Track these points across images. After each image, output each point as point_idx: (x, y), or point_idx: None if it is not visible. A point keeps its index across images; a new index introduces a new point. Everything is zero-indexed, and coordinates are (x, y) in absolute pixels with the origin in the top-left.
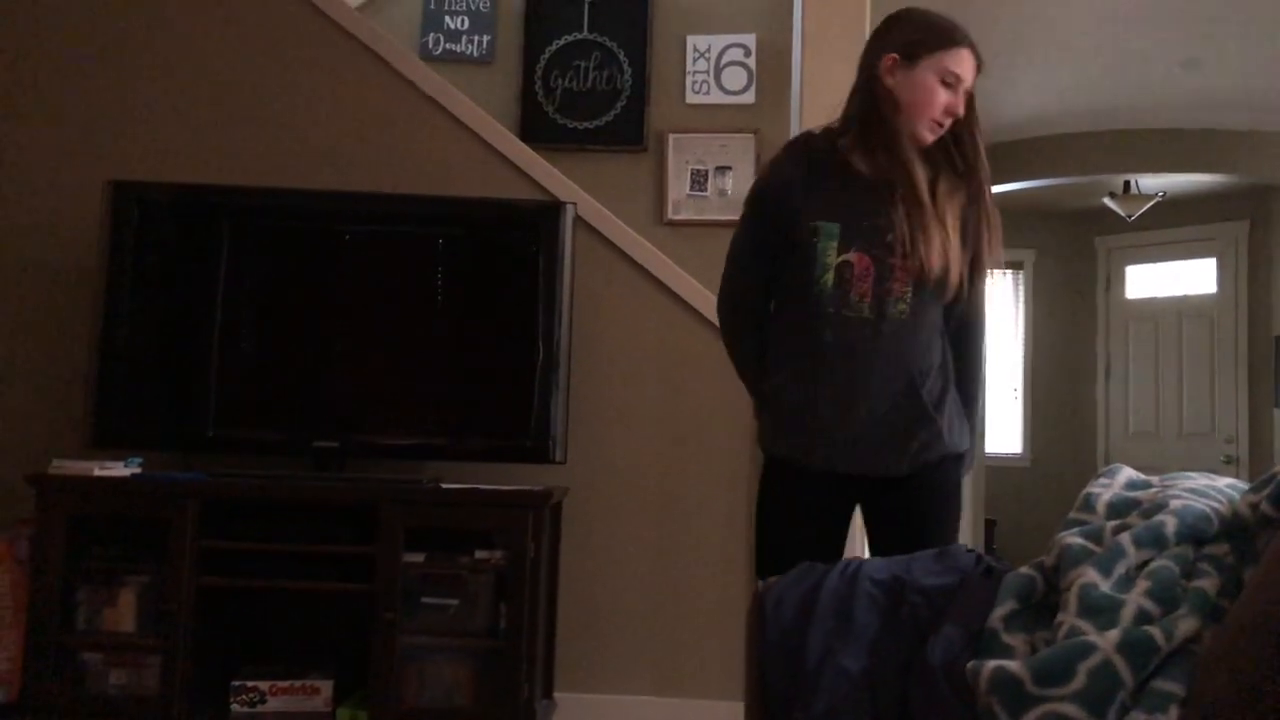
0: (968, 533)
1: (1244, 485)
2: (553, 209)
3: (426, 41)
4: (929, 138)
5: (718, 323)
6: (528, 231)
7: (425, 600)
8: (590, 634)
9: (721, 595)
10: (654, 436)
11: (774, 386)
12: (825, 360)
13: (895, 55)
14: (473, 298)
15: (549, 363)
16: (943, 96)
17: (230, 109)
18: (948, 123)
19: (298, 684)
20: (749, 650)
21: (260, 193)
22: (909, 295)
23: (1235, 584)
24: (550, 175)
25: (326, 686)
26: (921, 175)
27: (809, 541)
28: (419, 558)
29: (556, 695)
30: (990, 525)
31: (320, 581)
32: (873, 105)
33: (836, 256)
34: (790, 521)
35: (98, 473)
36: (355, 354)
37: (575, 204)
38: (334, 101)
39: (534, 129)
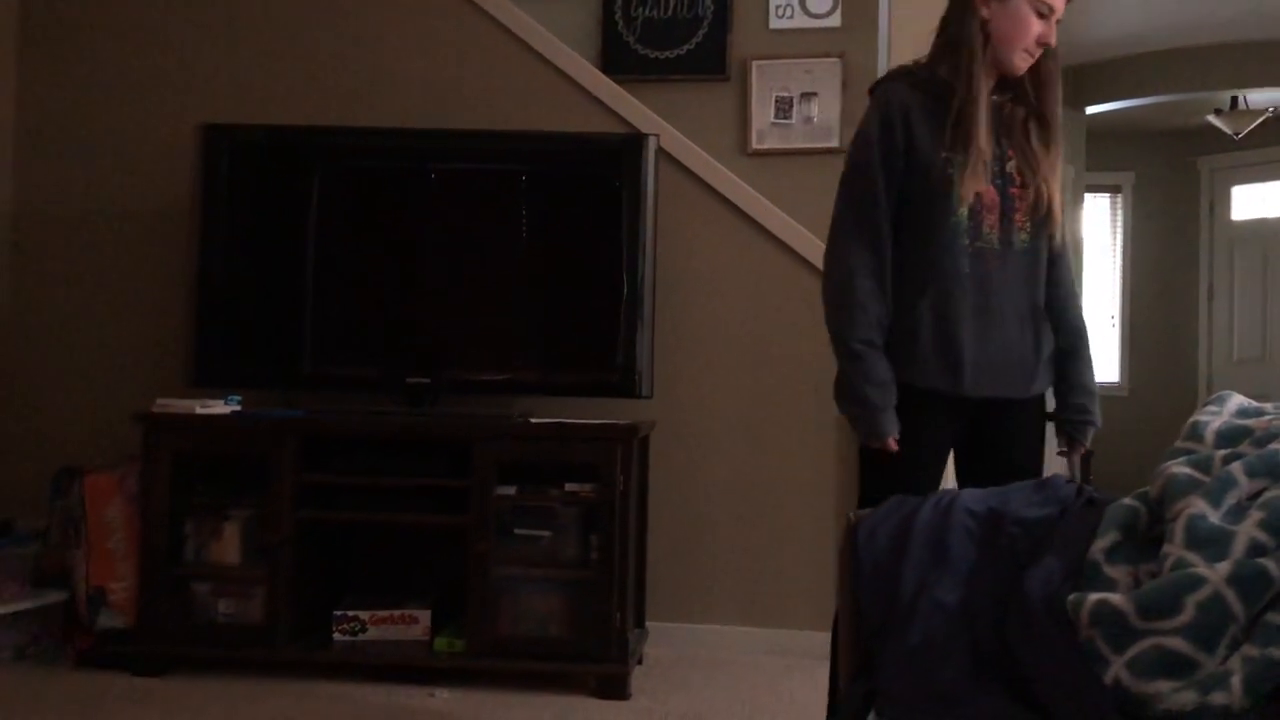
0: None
1: None
2: (635, 141)
3: None
4: (1022, 67)
5: (829, 277)
6: (610, 165)
7: (518, 532)
8: (680, 564)
9: (810, 526)
10: (740, 369)
11: (912, 320)
12: (963, 291)
13: None
14: (557, 233)
15: (633, 297)
16: (1037, 27)
17: (314, 50)
18: (1038, 53)
19: (396, 613)
20: (841, 582)
21: (347, 132)
22: (1028, 225)
23: None
24: (632, 107)
25: (424, 616)
26: (1014, 104)
27: (927, 466)
28: (511, 490)
29: (648, 624)
30: (1087, 456)
31: (416, 515)
32: (969, 35)
33: (969, 188)
34: (914, 449)
35: (200, 411)
36: (444, 291)
37: (658, 136)
38: (415, 39)
39: (615, 60)
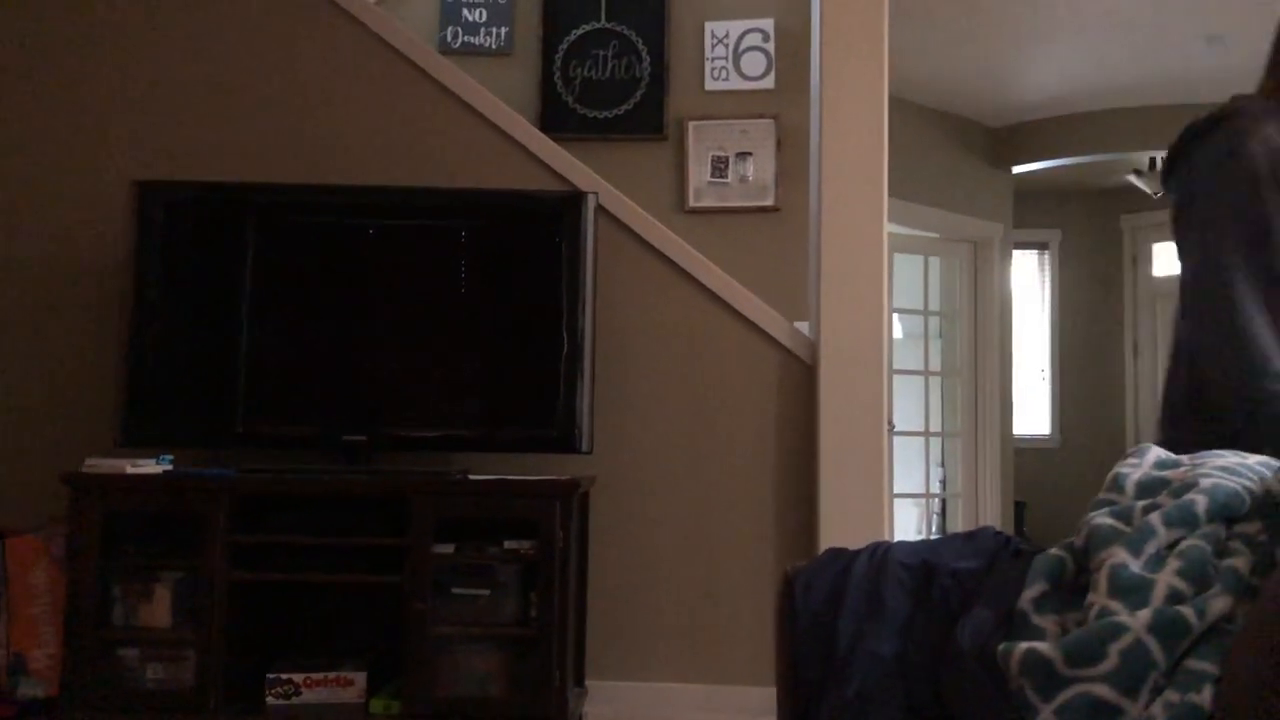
0: (997, 515)
1: (1276, 463)
2: (574, 199)
3: (445, 35)
4: None
5: (1224, 371)
6: (550, 222)
7: (456, 590)
8: (620, 621)
9: (750, 581)
10: (679, 424)
11: None
12: None
13: None
14: (496, 289)
15: (573, 353)
16: None
17: (251, 106)
18: None
19: (331, 675)
20: (779, 635)
21: (284, 189)
22: None
23: (1268, 562)
24: (571, 165)
25: (360, 678)
26: None
27: None
28: (449, 548)
29: (588, 683)
30: (1020, 507)
31: (352, 574)
32: None
33: None
34: None
35: (130, 470)
36: (381, 348)
37: (597, 194)
38: (354, 97)
39: (554, 119)
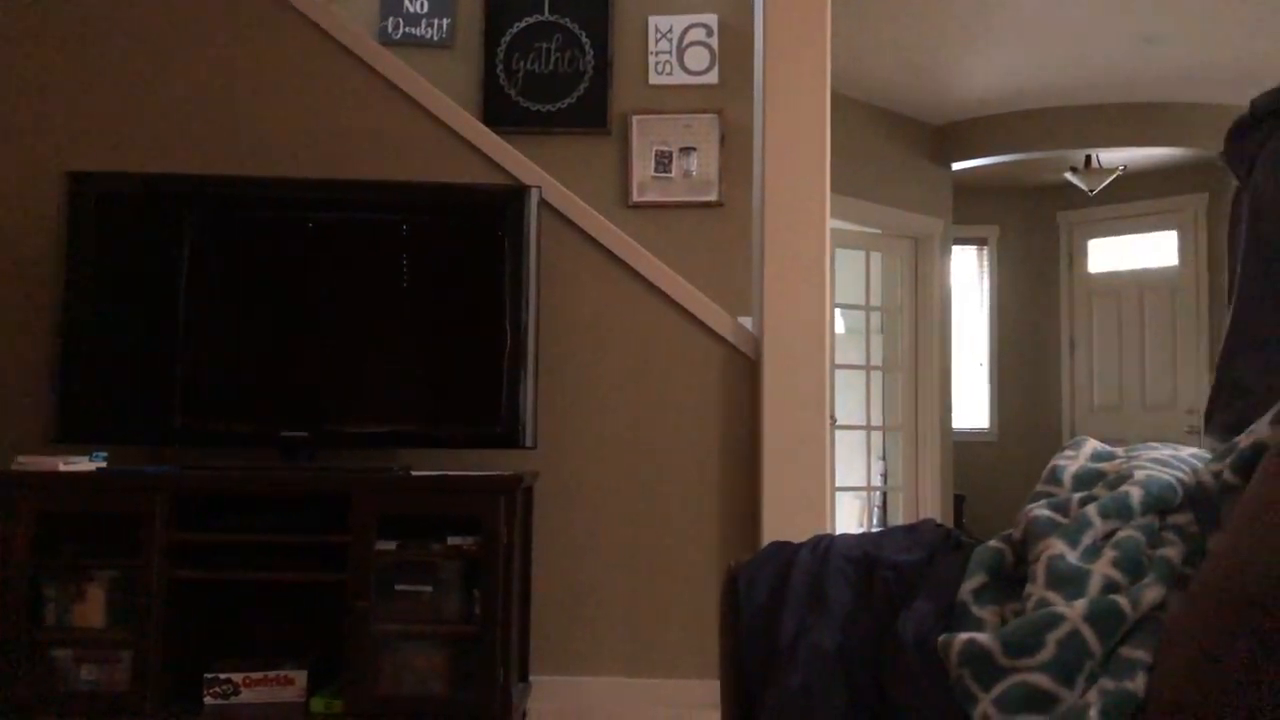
0: (937, 507)
1: (1207, 455)
2: (517, 193)
3: (386, 25)
4: None
5: None
6: (492, 216)
7: (399, 587)
8: (565, 617)
9: (696, 575)
10: (623, 419)
11: None
12: None
13: None
14: (439, 284)
15: (517, 348)
16: None
17: (189, 97)
18: None
19: (271, 675)
20: (722, 629)
21: (221, 181)
22: None
23: (1199, 552)
24: (514, 159)
25: (300, 676)
26: None
27: None
28: (391, 545)
29: (532, 678)
30: (959, 500)
31: (293, 572)
32: None
33: None
34: None
35: (63, 468)
36: (322, 343)
37: (540, 187)
38: (294, 89)
39: (496, 112)
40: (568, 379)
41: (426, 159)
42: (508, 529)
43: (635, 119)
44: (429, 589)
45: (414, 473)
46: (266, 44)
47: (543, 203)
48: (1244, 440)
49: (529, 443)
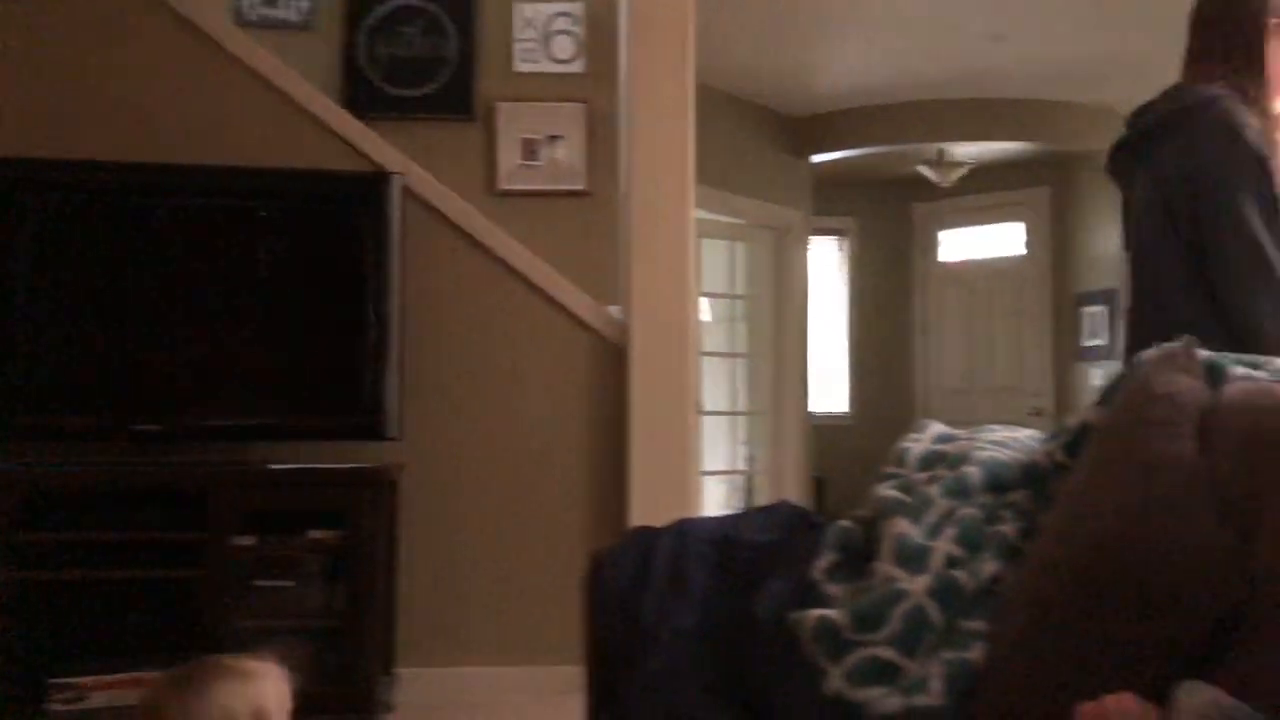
0: (798, 490)
1: (1041, 436)
2: (380, 180)
3: (240, 5)
4: (1275, 106)
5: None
6: (355, 203)
7: (259, 583)
8: (432, 608)
9: (563, 562)
10: (491, 408)
11: None
12: None
13: (1277, 19)
14: (299, 272)
15: (380, 337)
16: None
17: (35, 77)
18: None
19: (123, 678)
20: (585, 614)
21: (62, 165)
22: None
23: (1033, 527)
24: (376, 145)
25: (154, 678)
26: None
27: None
28: (250, 541)
29: (398, 671)
30: (818, 482)
31: (146, 570)
32: (1263, 70)
33: None
34: None
35: None
36: (176, 333)
37: (403, 174)
38: (144, 70)
39: (358, 98)
40: (434, 369)
41: (286, 145)
42: (372, 522)
43: (501, 106)
44: (291, 584)
45: (274, 466)
46: (115, 23)
47: (406, 190)
48: (1073, 421)
49: (393, 434)
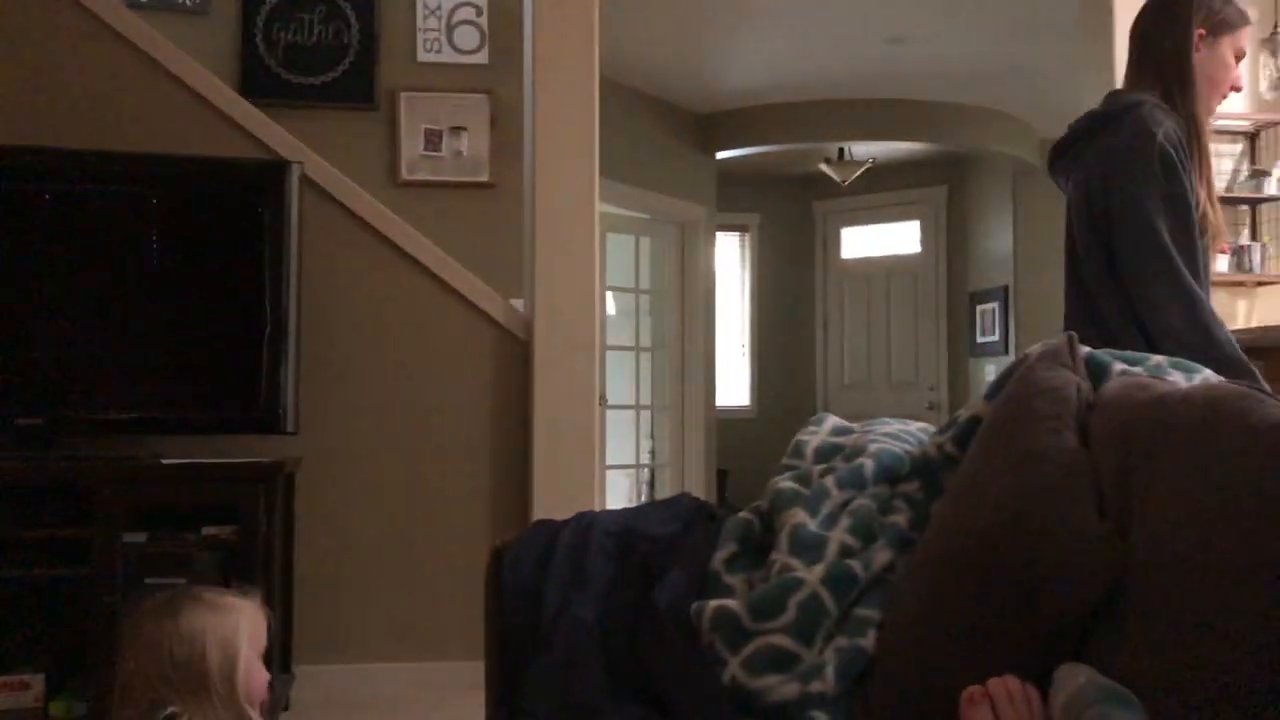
0: (701, 482)
1: (932, 429)
2: (277, 168)
3: None
4: (1207, 114)
5: (1199, 319)
6: (251, 192)
7: (150, 581)
8: (331, 605)
9: (465, 557)
10: (391, 402)
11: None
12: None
13: (1202, 30)
14: (194, 261)
15: (277, 329)
16: (1234, 71)
17: None
18: (1225, 99)
19: (8, 680)
20: (487, 608)
21: None
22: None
23: (924, 517)
24: (275, 133)
25: (38, 680)
26: None
27: None
28: (140, 537)
29: (296, 669)
30: (722, 475)
31: (30, 569)
32: (1189, 78)
33: (1224, 233)
34: None
35: None
36: (61, 324)
37: (301, 163)
38: (32, 52)
39: (255, 84)
40: (333, 362)
41: (180, 131)
42: (267, 518)
43: (404, 96)
44: (183, 581)
45: (165, 461)
46: (2, 4)
47: (305, 179)
48: (963, 414)
49: (290, 428)
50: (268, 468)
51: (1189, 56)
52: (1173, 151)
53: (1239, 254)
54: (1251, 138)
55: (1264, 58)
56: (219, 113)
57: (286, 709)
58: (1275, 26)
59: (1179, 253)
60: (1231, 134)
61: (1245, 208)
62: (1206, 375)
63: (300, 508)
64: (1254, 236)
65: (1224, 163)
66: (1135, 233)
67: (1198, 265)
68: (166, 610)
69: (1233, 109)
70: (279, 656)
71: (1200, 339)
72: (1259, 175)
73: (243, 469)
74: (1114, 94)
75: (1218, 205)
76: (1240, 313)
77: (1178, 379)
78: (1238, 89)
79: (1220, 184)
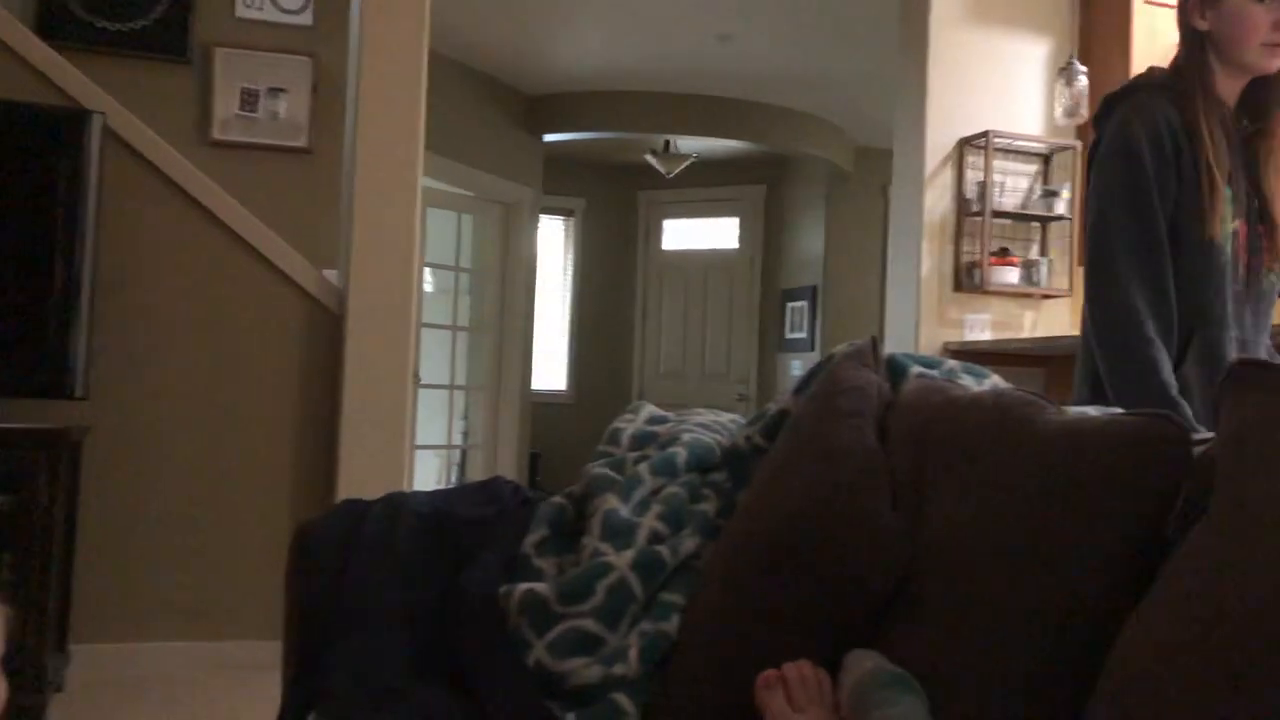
0: (513, 465)
1: (742, 420)
2: (76, 117)
3: None
4: (1271, 64)
5: (1109, 324)
6: (46, 141)
7: None
8: (116, 580)
9: (265, 535)
10: (193, 371)
11: (1179, 374)
12: (1228, 339)
13: None
14: None
15: (69, 289)
16: (1264, 16)
17: None
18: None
19: None
20: (288, 587)
21: None
22: (1277, 265)
23: (731, 506)
24: (74, 79)
25: None
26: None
27: None
28: None
29: (74, 647)
30: (535, 458)
31: None
32: (1194, 53)
33: (1231, 223)
34: None
35: None
36: None
37: (104, 113)
38: None
39: (54, 26)
40: (130, 325)
41: None
42: (49, 487)
43: (219, 51)
44: None
45: None
46: None
47: (107, 130)
48: (772, 408)
49: (79, 393)
50: (51, 435)
51: (1187, 33)
52: (1148, 149)
53: (1028, 268)
54: (1045, 159)
55: (1059, 87)
56: (13, 53)
57: (60, 690)
58: (1070, 58)
59: (1138, 265)
60: (1027, 155)
61: (1037, 225)
62: (995, 381)
63: (88, 477)
64: (1043, 252)
65: (1020, 181)
66: (1090, 244)
67: (1162, 270)
68: None
69: (1030, 131)
70: (55, 633)
71: (1114, 362)
72: (1050, 195)
73: (23, 434)
74: (1148, 70)
75: (1218, 187)
76: (1027, 323)
77: (969, 383)
78: None
79: (1015, 201)
